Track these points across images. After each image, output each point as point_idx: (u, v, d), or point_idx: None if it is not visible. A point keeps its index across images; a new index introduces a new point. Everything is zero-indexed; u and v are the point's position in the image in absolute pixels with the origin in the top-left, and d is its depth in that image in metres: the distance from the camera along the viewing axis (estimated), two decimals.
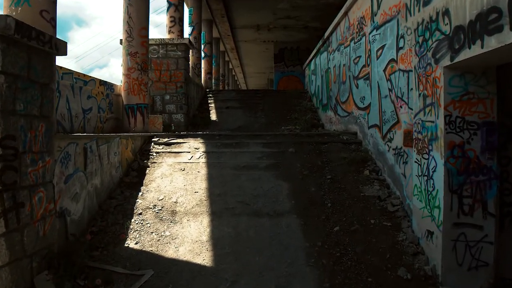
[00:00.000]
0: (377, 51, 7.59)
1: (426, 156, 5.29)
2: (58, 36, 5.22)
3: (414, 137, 5.68)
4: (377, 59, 7.62)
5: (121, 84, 9.63)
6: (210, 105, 14.64)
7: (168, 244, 5.40)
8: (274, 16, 19.95)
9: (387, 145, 7.06)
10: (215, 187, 6.87)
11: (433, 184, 5.12)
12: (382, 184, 6.97)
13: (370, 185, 6.89)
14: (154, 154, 8.14)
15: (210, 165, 7.63)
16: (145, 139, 8.58)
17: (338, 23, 10.45)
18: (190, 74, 15.88)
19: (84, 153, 5.73)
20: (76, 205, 5.44)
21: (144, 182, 7.13)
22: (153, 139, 8.71)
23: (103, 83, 8.81)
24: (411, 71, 6.01)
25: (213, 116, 13.69)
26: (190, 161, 7.82)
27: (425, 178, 5.32)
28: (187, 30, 16.16)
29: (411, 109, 6.03)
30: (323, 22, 20.95)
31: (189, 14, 15.87)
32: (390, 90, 6.95)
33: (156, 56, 12.22)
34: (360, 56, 8.72)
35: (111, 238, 5.50)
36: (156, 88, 12.18)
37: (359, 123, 8.81)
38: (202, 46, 19.29)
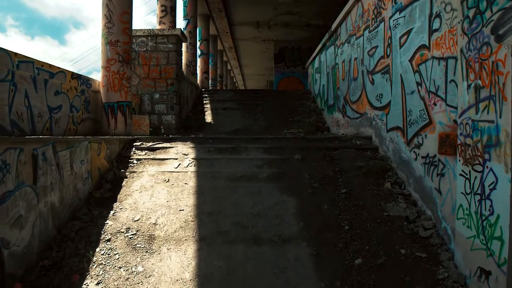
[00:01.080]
0: (401, 38, 6.28)
1: (479, 167, 3.96)
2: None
3: (459, 142, 4.35)
4: (400, 48, 6.30)
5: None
6: (205, 105, 13.31)
7: (139, 285, 4.04)
8: (275, 12, 18.64)
9: (414, 152, 5.73)
10: (205, 203, 5.52)
11: (491, 206, 3.80)
12: (408, 200, 5.63)
13: (394, 202, 5.55)
14: (135, 161, 6.79)
15: (200, 175, 6.28)
16: (125, 144, 7.23)
17: (348, 12, 9.13)
18: (184, 71, 14.54)
19: (33, 161, 4.38)
20: (19, 232, 4.08)
21: (118, 197, 5.77)
22: (134, 144, 7.36)
23: (76, 76, 7.45)
24: (452, 57, 4.69)
25: (208, 117, 12.35)
26: (177, 170, 6.47)
27: (477, 197, 3.99)
28: (181, 24, 14.84)
29: (452, 106, 4.71)
30: (326, 19, 19.73)
31: (184, 6, 14.55)
32: (418, 84, 5.62)
33: (144, 49, 10.89)
34: (376, 47, 7.40)
35: (66, 276, 4.14)
36: (144, 85, 10.85)
37: (374, 125, 7.49)
38: (199, 43, 17.98)
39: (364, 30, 8.18)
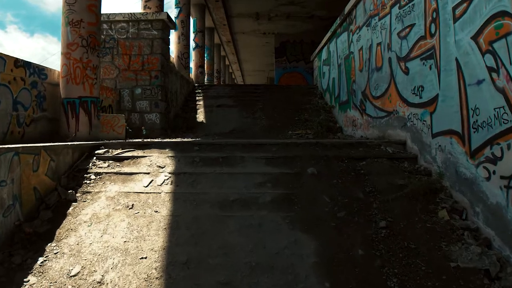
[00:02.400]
0: (455, 8, 4.38)
1: None
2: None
3: None
4: (454, 22, 4.41)
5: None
6: (197, 102, 11.40)
7: None
8: (276, 2, 16.69)
9: (484, 168, 3.85)
10: (180, 245, 3.64)
11: None
12: (478, 238, 3.76)
13: (460, 243, 3.67)
14: (93, 176, 4.89)
15: (178, 198, 4.39)
16: (83, 152, 5.33)
17: None
18: (175, 64, 12.62)
19: None
20: None
21: (58, 232, 3.88)
22: (97, 152, 5.45)
23: (23, 64, 5.55)
24: None
25: (200, 116, 10.44)
26: (147, 190, 4.58)
27: None
28: (172, 13, 12.92)
29: None
30: (331, 9, 17.85)
31: None
32: (492, 70, 3.73)
33: (124, 36, 8.97)
34: (412, 25, 5.50)
35: None
36: (124, 78, 8.94)
37: (410, 127, 5.60)
38: (193, 35, 16.06)
39: (392, 6, 6.28)
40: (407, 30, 5.67)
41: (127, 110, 8.92)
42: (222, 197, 4.37)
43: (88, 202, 4.37)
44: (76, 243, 3.69)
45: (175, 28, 9.53)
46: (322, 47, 11.75)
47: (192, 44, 16.12)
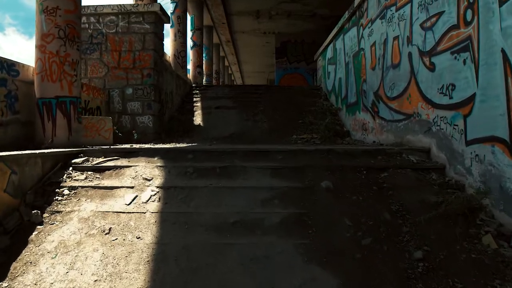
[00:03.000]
0: None
1: None
2: None
3: None
4: (501, 5, 3.61)
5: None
6: (195, 104, 10.57)
7: None
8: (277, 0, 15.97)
9: None
10: (166, 286, 2.82)
11: None
12: None
13: None
14: (66, 191, 4.08)
15: (165, 220, 3.58)
16: (57, 161, 4.50)
17: None
18: (171, 63, 11.81)
19: None
20: None
21: (13, 267, 3.07)
22: (74, 161, 4.63)
23: None
24: None
25: (198, 119, 9.62)
26: (129, 208, 3.77)
27: None
28: (169, 9, 12.11)
29: None
30: (334, 8, 17.11)
31: None
32: None
33: (113, 30, 8.15)
34: (440, 14, 4.70)
35: None
36: (114, 77, 8.12)
37: (436, 133, 4.79)
38: (191, 33, 15.24)
39: None
40: (433, 19, 4.87)
41: (117, 112, 8.10)
42: (220, 219, 3.56)
43: (57, 225, 3.56)
44: (34, 282, 2.87)
45: (169, 21, 8.73)
46: (327, 45, 10.95)
47: (189, 42, 15.32)
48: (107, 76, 8.13)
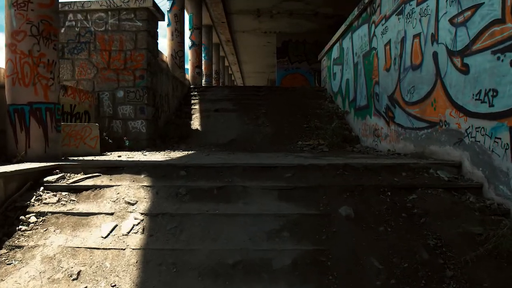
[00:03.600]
0: None
1: None
2: None
3: None
4: None
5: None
6: (193, 106, 9.83)
7: None
8: None
9: None
10: None
11: None
12: None
13: None
14: (33, 219, 3.33)
15: (148, 260, 2.83)
16: (25, 180, 3.75)
17: None
18: (168, 63, 11.09)
19: None
20: None
21: None
22: (47, 178, 3.88)
23: None
24: None
25: (196, 123, 8.86)
26: (106, 242, 3.03)
27: None
28: (165, 7, 11.37)
29: None
30: (337, 7, 16.40)
31: None
32: None
33: (102, 28, 7.40)
34: (478, 6, 3.94)
35: None
36: (104, 79, 7.37)
37: (471, 146, 4.05)
38: (189, 32, 14.49)
39: None
40: (468, 13, 4.12)
41: (107, 116, 7.35)
42: (216, 258, 2.81)
43: (14, 266, 2.82)
44: None
45: (163, 18, 7.98)
46: (333, 44, 10.19)
47: (188, 42, 14.58)
48: (96, 77, 7.38)
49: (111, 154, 6.25)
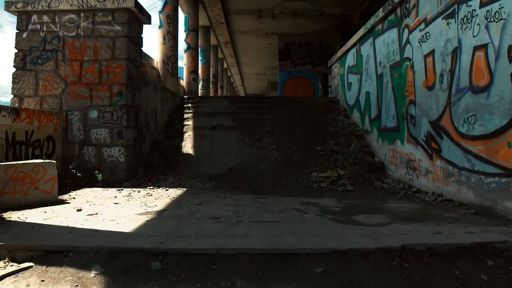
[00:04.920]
0: None
1: None
2: None
3: None
4: None
5: None
6: (185, 122, 8.37)
7: None
8: None
9: None
10: None
11: None
12: None
13: None
14: None
15: None
16: None
17: None
18: (159, 70, 9.65)
19: None
20: None
21: None
22: None
23: None
24: None
25: (188, 144, 7.40)
26: None
27: None
28: (155, 9, 9.86)
29: None
30: (345, 6, 15.05)
31: None
32: None
33: (73, 33, 5.94)
34: None
35: None
36: (74, 95, 5.91)
37: None
38: (185, 34, 13.03)
39: None
40: None
41: (77, 142, 5.90)
42: None
43: None
44: None
45: (149, 21, 6.51)
46: (348, 50, 8.73)
47: (183, 45, 13.12)
48: (65, 94, 5.92)
49: (75, 195, 4.81)
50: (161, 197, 4.70)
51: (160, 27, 10.12)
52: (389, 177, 6.09)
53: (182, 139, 7.58)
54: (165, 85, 9.98)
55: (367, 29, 7.24)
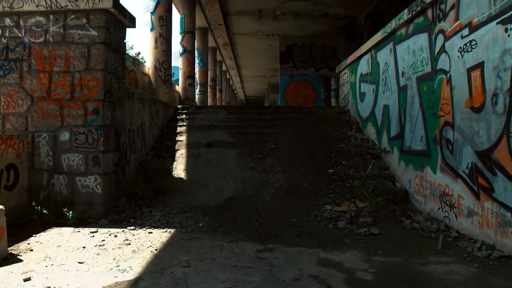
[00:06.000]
0: None
1: None
2: None
3: None
4: None
5: None
6: (178, 137, 7.33)
7: None
8: None
9: None
10: None
11: None
12: None
13: None
14: None
15: None
16: None
17: None
18: (151, 77, 8.64)
19: None
20: None
21: None
22: None
23: None
24: None
25: (180, 166, 6.36)
26: None
27: None
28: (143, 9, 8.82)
29: None
30: (350, 7, 14.10)
31: None
32: None
33: (41, 39, 4.89)
34: None
35: None
36: (41, 114, 4.87)
37: None
38: (180, 37, 11.98)
39: None
40: None
41: (45, 169, 4.86)
42: None
43: None
44: None
45: (133, 24, 5.43)
46: (361, 56, 7.70)
47: (179, 48, 12.07)
48: (31, 112, 4.88)
49: (35, 244, 3.78)
50: (140, 248, 3.67)
51: (152, 29, 9.08)
52: (416, 210, 5.07)
53: (173, 159, 6.55)
54: (157, 93, 8.95)
55: (386, 33, 6.20)
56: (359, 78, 7.90)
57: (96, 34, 4.82)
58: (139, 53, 33.36)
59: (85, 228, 4.41)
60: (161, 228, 4.39)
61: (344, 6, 13.86)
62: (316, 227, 4.41)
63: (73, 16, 4.85)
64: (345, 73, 9.02)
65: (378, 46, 6.71)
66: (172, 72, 10.81)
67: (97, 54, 4.82)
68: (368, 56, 7.31)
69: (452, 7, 4.37)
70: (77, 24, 4.85)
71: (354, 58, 8.05)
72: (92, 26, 4.84)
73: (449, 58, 4.45)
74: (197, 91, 14.78)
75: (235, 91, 34.53)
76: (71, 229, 4.38)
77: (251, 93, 36.87)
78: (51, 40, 4.88)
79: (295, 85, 17.59)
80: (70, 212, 4.54)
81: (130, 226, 4.47)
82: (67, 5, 4.78)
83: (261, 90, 33.79)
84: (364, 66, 7.60)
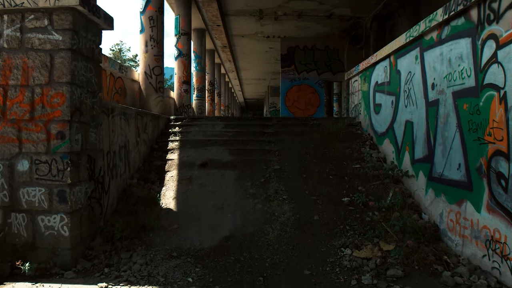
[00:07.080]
0: None
1: None
2: None
3: None
4: None
5: None
6: (169, 155, 6.36)
7: None
8: None
9: None
10: None
11: None
12: None
13: None
14: None
15: None
16: None
17: None
18: (141, 84, 7.68)
19: None
20: None
21: None
22: None
23: None
24: None
25: (169, 193, 5.39)
26: None
27: None
28: (135, 8, 7.85)
29: None
30: (357, 8, 13.16)
31: None
32: None
33: None
34: None
35: None
36: None
37: None
38: (175, 39, 11.01)
39: None
40: None
41: (1, 206, 3.88)
42: None
43: None
44: None
45: (110, 25, 4.40)
46: (377, 62, 6.73)
47: (174, 51, 11.11)
48: None
49: None
50: None
51: (141, 31, 8.10)
52: (452, 253, 4.09)
53: (162, 183, 5.57)
54: (148, 102, 7.97)
55: (411, 38, 5.22)
56: (374, 88, 6.92)
57: (61, 38, 3.84)
58: (136, 55, 32.29)
59: (46, 284, 3.45)
60: (140, 286, 3.42)
61: (351, 6, 12.94)
62: (335, 285, 3.43)
63: (32, 17, 3.87)
64: (356, 80, 8.04)
65: (400, 52, 5.74)
66: (169, 75, 9.84)
67: (61, 63, 3.84)
68: (385, 63, 6.34)
69: (509, 7, 3.40)
70: (37, 26, 3.86)
71: (368, 65, 7.08)
72: (55, 28, 3.85)
73: (503, 70, 3.48)
74: (194, 96, 13.84)
75: (234, 94, 33.54)
76: (29, 284, 3.42)
77: (251, 96, 35.89)
78: (6, 46, 3.89)
79: (297, 90, 16.63)
80: (26, 265, 3.55)
81: (102, 282, 3.49)
82: (23, 3, 3.79)
83: (261, 93, 32.81)
84: (380, 74, 6.62)
